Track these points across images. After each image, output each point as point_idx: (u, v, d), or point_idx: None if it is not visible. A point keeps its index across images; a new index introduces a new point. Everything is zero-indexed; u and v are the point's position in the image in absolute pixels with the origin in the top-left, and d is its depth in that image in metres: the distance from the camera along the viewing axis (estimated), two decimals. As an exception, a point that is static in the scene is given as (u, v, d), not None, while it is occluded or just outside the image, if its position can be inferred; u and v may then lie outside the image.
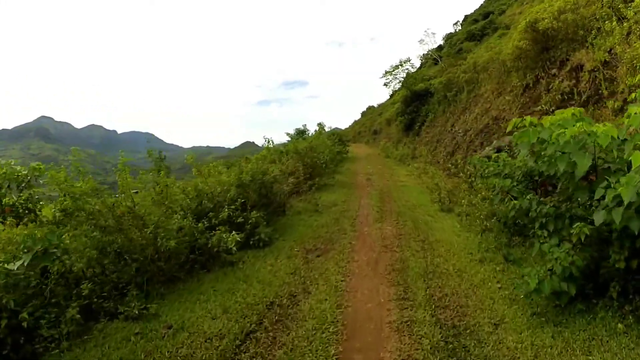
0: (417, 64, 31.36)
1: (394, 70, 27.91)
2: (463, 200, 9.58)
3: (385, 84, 28.58)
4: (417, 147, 24.71)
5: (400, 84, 28.61)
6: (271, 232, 8.34)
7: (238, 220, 7.86)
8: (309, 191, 12.88)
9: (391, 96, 58.82)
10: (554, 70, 13.18)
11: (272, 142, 13.30)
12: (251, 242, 7.93)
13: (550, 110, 11.62)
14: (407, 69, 28.18)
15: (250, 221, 7.93)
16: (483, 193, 9.76)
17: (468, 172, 10.62)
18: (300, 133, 25.51)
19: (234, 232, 6.83)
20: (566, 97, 11.61)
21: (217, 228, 7.25)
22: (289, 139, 22.81)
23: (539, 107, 12.44)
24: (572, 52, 12.32)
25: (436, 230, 8.65)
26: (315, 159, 15.50)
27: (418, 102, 27.32)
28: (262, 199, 9.02)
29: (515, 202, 6.04)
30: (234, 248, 6.64)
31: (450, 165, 14.69)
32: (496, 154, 7.85)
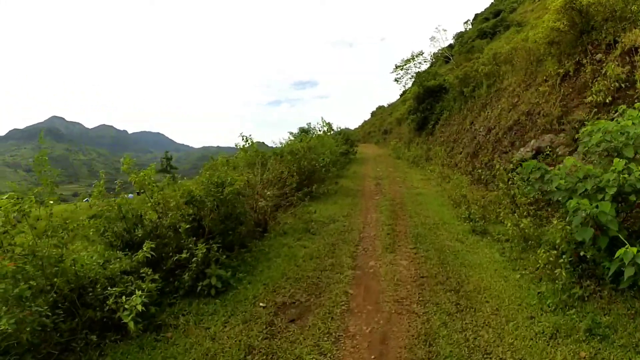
0: (429, 59, 28.49)
1: (405, 64, 25.04)
2: (507, 222, 6.76)
3: (396, 79, 25.77)
4: (431, 148, 21.98)
5: (412, 79, 25.80)
6: (230, 273, 5.60)
7: (179, 257, 5.21)
8: (304, 201, 10.25)
9: (401, 95, 56.55)
10: (599, 55, 10.62)
11: (251, 141, 10.38)
12: (199, 289, 5.26)
13: (606, 101, 9.13)
14: (420, 63, 25.36)
15: (195, 259, 5.23)
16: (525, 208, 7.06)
17: (509, 181, 7.85)
18: (304, 132, 22.92)
19: (138, 293, 4.11)
20: (623, 86, 9.08)
21: (140, 272, 4.63)
22: (292, 138, 20.19)
23: (589, 98, 9.78)
24: (621, 33, 9.98)
25: (472, 268, 5.88)
26: (313, 162, 12.87)
27: (431, 99, 24.53)
28: (223, 222, 6.29)
29: (634, 250, 3.31)
30: (132, 324, 3.92)
31: (478, 170, 11.90)
32: (575, 162, 5.10)
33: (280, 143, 15.38)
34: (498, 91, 17.13)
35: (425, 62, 25.83)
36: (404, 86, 26.45)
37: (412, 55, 25.01)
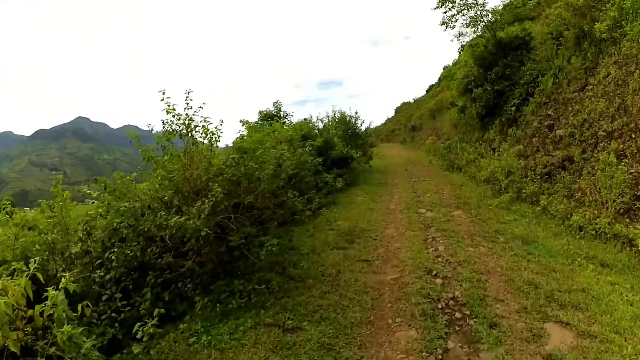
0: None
1: (459, -3, 12.65)
2: None
3: (443, 23, 13.47)
4: (528, 152, 9.84)
5: (470, 26, 13.42)
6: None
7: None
8: None
9: (427, 91, 45.10)
10: None
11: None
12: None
13: None
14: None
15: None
16: None
17: None
18: (268, 119, 11.33)
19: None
20: None
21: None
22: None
23: None
24: None
25: None
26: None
27: (512, 58, 12.38)
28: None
29: None
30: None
31: None
32: None
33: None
34: None
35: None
36: (458, 38, 14.02)
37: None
